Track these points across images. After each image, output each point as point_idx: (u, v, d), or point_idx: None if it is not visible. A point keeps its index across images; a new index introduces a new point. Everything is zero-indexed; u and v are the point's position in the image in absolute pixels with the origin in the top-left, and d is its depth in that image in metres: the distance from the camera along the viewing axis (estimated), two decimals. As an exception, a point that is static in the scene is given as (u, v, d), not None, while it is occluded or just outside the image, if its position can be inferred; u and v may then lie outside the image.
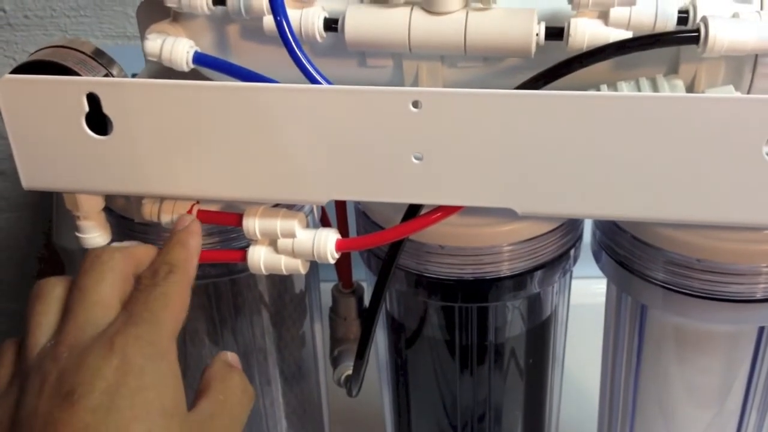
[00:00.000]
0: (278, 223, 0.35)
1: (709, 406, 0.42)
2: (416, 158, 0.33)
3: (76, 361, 0.29)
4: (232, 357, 0.34)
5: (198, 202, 0.37)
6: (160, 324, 0.30)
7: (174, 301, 0.31)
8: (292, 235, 0.35)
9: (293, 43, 0.33)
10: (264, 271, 0.36)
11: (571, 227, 0.39)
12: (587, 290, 0.46)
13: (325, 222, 0.45)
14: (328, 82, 0.34)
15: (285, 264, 0.36)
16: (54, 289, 0.32)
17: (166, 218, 0.36)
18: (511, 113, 0.31)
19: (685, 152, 0.31)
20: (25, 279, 0.95)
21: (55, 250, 0.80)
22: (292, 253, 0.36)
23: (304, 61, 0.34)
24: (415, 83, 0.37)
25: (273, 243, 0.36)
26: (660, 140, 0.31)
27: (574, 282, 0.44)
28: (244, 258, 0.36)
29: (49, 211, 0.80)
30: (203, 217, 0.37)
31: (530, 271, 0.38)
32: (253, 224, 0.36)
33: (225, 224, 0.37)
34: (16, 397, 0.29)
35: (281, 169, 0.34)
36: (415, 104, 0.31)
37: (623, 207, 0.32)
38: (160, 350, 0.29)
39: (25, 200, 0.90)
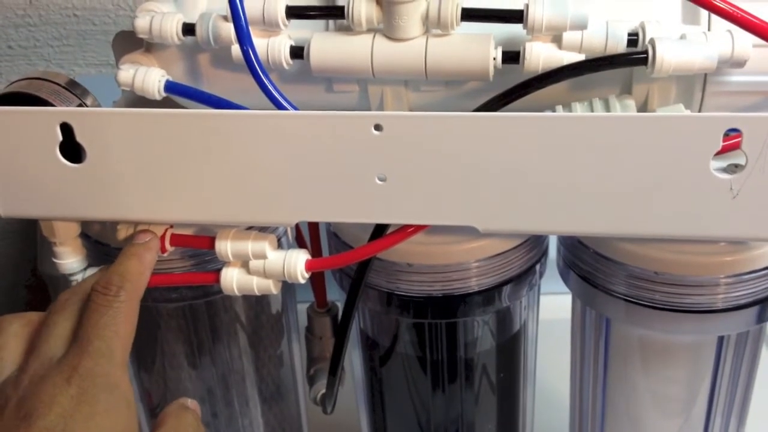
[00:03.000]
0: (249, 245, 0.36)
1: (676, 414, 0.43)
2: (380, 179, 0.34)
3: (35, 389, 0.30)
4: (191, 402, 0.35)
5: (171, 226, 0.38)
6: (112, 354, 0.31)
7: (124, 326, 0.32)
8: (264, 257, 0.36)
9: (259, 71, 0.35)
10: (237, 292, 0.37)
11: (535, 243, 0.40)
12: (557, 305, 0.47)
13: (300, 243, 0.46)
14: (294, 108, 0.35)
15: (257, 284, 0.37)
16: (10, 326, 0.34)
17: (140, 243, 0.37)
18: (469, 134, 0.32)
19: (637, 169, 0.32)
20: (13, 307, 0.96)
21: (40, 278, 0.81)
22: (264, 274, 0.37)
23: (270, 88, 0.35)
24: (381, 107, 0.39)
25: (245, 264, 0.37)
26: (612, 158, 0.32)
27: (544, 298, 0.45)
28: (218, 280, 0.37)
29: (35, 239, 0.81)
30: (177, 241, 0.38)
31: (498, 287, 0.40)
32: (225, 247, 0.37)
33: (198, 247, 0.38)
34: None
35: (250, 192, 0.35)
36: (377, 127, 0.33)
37: (581, 223, 0.33)
38: (113, 381, 0.31)
39: (12, 228, 0.91)
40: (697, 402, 0.42)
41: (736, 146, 0.31)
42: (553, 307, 0.47)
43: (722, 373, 0.40)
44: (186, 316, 0.43)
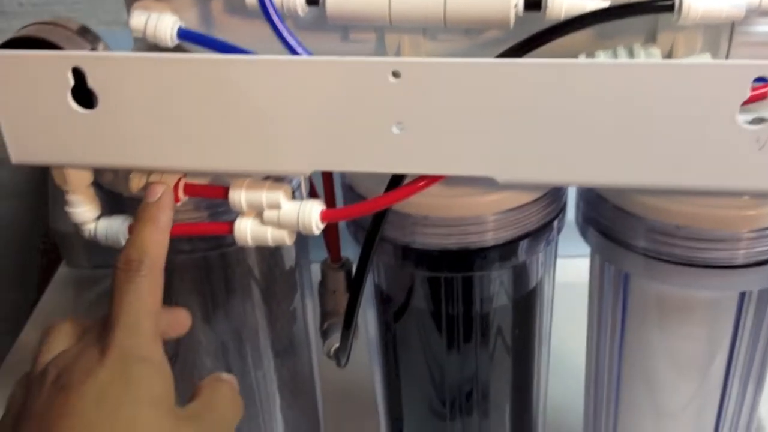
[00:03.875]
0: (264, 195, 0.36)
1: (693, 375, 0.42)
2: (397, 128, 0.33)
3: (73, 364, 0.32)
4: (227, 376, 0.36)
5: (185, 175, 0.37)
6: (140, 328, 0.32)
7: (150, 299, 0.33)
8: (278, 207, 0.36)
9: (274, 17, 0.34)
10: (251, 243, 0.37)
11: (554, 197, 0.39)
12: (573, 269, 0.47)
13: (313, 195, 0.45)
14: (308, 53, 0.35)
15: (272, 235, 0.36)
16: (75, 318, 0.36)
17: (153, 192, 0.37)
18: (489, 82, 0.31)
19: (661, 119, 0.31)
20: (26, 268, 0.96)
21: (50, 238, 0.81)
22: (278, 225, 0.36)
23: (286, 34, 0.34)
24: (398, 56, 0.38)
25: (259, 215, 0.37)
26: (636, 107, 0.31)
27: (560, 260, 0.44)
28: (232, 230, 0.37)
29: (44, 198, 0.81)
30: (190, 190, 0.37)
31: (515, 241, 0.39)
32: (239, 196, 0.36)
33: (212, 197, 0.37)
34: (23, 396, 0.33)
35: (264, 140, 0.34)
36: (395, 74, 0.32)
37: (602, 174, 0.33)
38: (144, 353, 0.32)
39: (25, 188, 0.91)
40: (715, 363, 0.41)
41: (764, 96, 0.30)
42: (569, 270, 0.47)
43: (742, 331, 0.40)
44: (199, 268, 0.43)
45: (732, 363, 0.42)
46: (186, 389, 0.35)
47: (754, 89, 0.30)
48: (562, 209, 0.41)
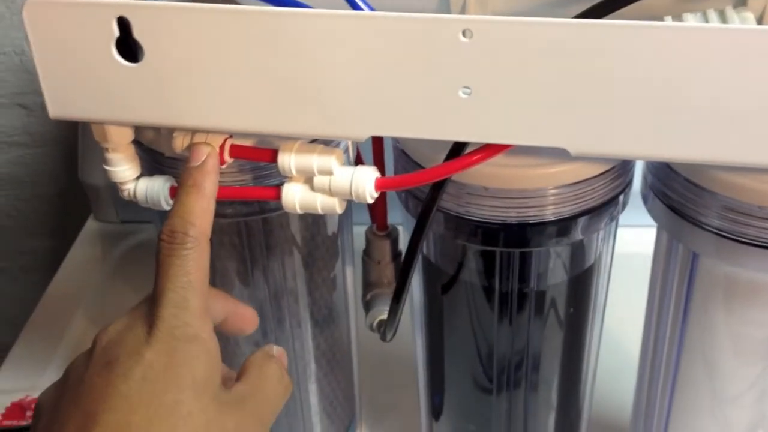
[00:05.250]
0: (315, 160, 0.34)
1: (757, 361, 0.40)
2: (464, 92, 0.31)
3: (119, 338, 0.31)
4: (276, 350, 0.35)
5: (231, 137, 0.35)
6: (187, 304, 0.31)
7: (197, 273, 0.31)
8: (330, 173, 0.34)
9: (335, -34, 0.31)
10: (299, 210, 0.35)
11: (622, 170, 0.37)
12: (631, 239, 0.45)
13: (359, 163, 0.43)
14: (371, 8, 0.32)
15: (321, 203, 0.34)
16: None
17: (197, 152, 0.35)
18: (567, 44, 0.29)
19: (752, 90, 0.28)
20: (51, 216, 0.95)
21: (80, 186, 0.79)
22: (329, 192, 0.34)
23: (347, -14, 0.31)
24: (463, 13, 0.35)
25: (309, 181, 0.34)
26: (726, 76, 0.28)
27: (619, 230, 0.42)
28: (279, 196, 0.35)
29: (75, 148, 0.79)
30: (237, 152, 0.35)
31: (576, 217, 0.37)
32: (288, 160, 0.34)
33: (259, 160, 0.35)
34: (67, 373, 0.32)
35: (319, 102, 0.32)
36: (465, 33, 0.29)
37: (688, 149, 0.30)
38: (191, 331, 0.30)
39: (51, 136, 0.89)
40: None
41: None
42: (627, 240, 0.45)
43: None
44: (240, 232, 0.41)
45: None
46: (225, 355, 0.33)
47: None
48: (629, 183, 0.38)
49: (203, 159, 0.33)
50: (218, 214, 0.39)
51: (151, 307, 0.31)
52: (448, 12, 0.35)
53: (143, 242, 0.76)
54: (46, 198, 0.94)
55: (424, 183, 0.34)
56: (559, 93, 0.30)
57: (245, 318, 0.35)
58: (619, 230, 0.43)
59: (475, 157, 0.32)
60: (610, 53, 0.28)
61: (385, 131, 0.32)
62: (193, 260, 0.31)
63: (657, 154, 0.31)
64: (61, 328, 0.67)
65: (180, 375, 0.29)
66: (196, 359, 0.30)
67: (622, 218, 0.40)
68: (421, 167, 0.36)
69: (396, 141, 0.38)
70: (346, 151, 0.40)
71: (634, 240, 0.50)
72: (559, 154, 0.32)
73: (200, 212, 0.32)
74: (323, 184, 0.34)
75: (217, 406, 0.30)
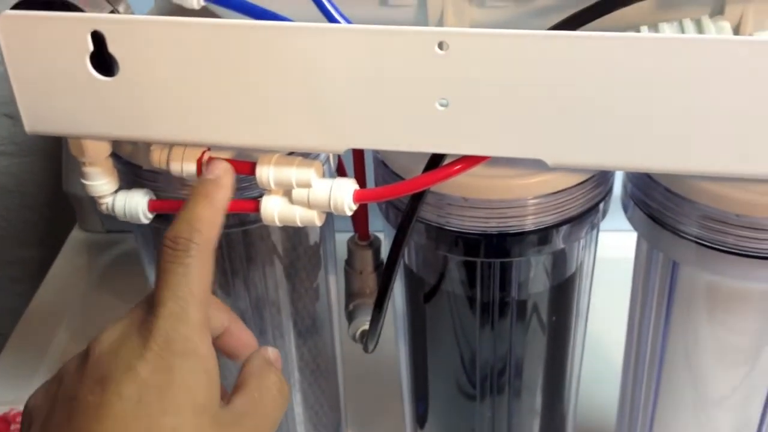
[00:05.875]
0: (293, 172, 0.34)
1: (740, 366, 0.40)
2: (441, 104, 0.30)
3: (113, 351, 0.29)
4: (272, 353, 0.34)
5: (209, 149, 0.35)
6: (187, 316, 0.29)
7: (198, 283, 0.30)
8: (308, 185, 0.34)
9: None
10: (278, 223, 0.35)
11: (601, 179, 0.37)
12: (617, 243, 0.45)
13: (341, 173, 0.43)
14: (348, 21, 0.32)
15: (300, 216, 0.34)
16: None
17: (175, 166, 0.35)
18: (544, 56, 0.29)
19: (728, 100, 0.28)
20: (39, 225, 0.95)
21: (65, 196, 0.79)
22: (308, 204, 0.34)
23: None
24: (440, 24, 0.35)
25: (288, 193, 0.34)
26: (702, 87, 0.28)
27: (600, 234, 0.42)
28: (258, 209, 0.34)
29: (60, 158, 0.79)
30: (214, 164, 0.35)
31: (557, 226, 0.37)
32: (267, 173, 0.34)
33: (237, 173, 0.35)
34: (60, 378, 0.30)
35: (296, 114, 0.32)
36: (441, 45, 0.29)
37: (665, 159, 0.30)
38: (190, 346, 0.29)
39: (36, 145, 0.89)
40: (764, 355, 0.39)
41: None
42: (609, 245, 0.44)
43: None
44: (221, 244, 0.41)
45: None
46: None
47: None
48: (609, 191, 0.38)
49: (218, 174, 0.33)
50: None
51: (147, 315, 0.29)
52: (426, 23, 0.35)
53: (128, 252, 0.76)
54: (34, 207, 0.94)
55: (402, 195, 0.34)
56: (535, 104, 0.30)
57: (241, 341, 0.34)
58: (605, 234, 0.43)
59: (452, 170, 0.32)
60: (583, 65, 0.28)
61: (363, 143, 0.32)
62: (196, 269, 0.30)
63: (634, 165, 0.31)
64: (47, 340, 0.66)
65: (177, 396, 0.28)
66: (194, 378, 0.29)
67: (609, 222, 0.40)
68: (401, 178, 0.36)
69: (376, 151, 0.38)
70: (327, 161, 0.40)
71: (620, 244, 0.49)
72: (538, 165, 0.32)
73: (207, 221, 0.31)
74: (302, 197, 0.34)
75: (217, 427, 0.29)
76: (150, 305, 0.30)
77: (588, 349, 0.47)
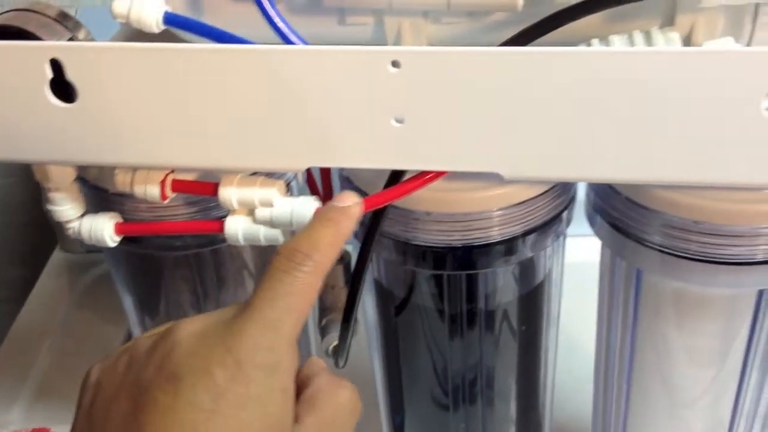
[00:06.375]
0: (256, 192, 0.34)
1: (709, 368, 0.40)
2: (397, 121, 0.31)
3: (190, 346, 0.27)
4: (346, 385, 0.31)
5: (172, 171, 0.35)
6: (282, 329, 0.27)
7: (302, 300, 0.28)
8: (271, 205, 0.34)
9: (263, 2, 0.32)
10: (242, 242, 0.35)
11: (563, 189, 0.37)
12: (584, 248, 0.45)
13: (311, 186, 0.43)
14: (304, 42, 0.32)
15: (264, 234, 0.35)
16: None
17: (139, 189, 0.35)
18: (495, 72, 0.29)
19: (679, 110, 0.29)
20: (23, 245, 0.95)
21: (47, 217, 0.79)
22: (271, 223, 0.34)
23: (277, 20, 0.32)
24: (398, 41, 0.36)
25: (251, 212, 0.35)
26: (652, 97, 0.29)
27: (571, 240, 0.42)
28: (222, 228, 0.35)
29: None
30: (178, 187, 0.35)
31: (521, 236, 0.37)
32: (229, 194, 0.34)
33: (201, 194, 0.35)
34: (130, 357, 0.28)
35: (255, 135, 0.32)
36: (395, 64, 0.30)
37: (616, 170, 0.30)
38: (275, 358, 0.27)
39: (20, 166, 0.89)
40: (732, 356, 0.39)
41: (791, 85, 0.27)
42: (580, 249, 0.45)
43: (761, 326, 0.38)
44: (191, 264, 0.41)
45: (750, 355, 0.40)
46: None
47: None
48: (572, 200, 0.39)
49: (349, 204, 0.31)
50: (168, 248, 0.40)
51: (237, 318, 0.27)
52: (384, 40, 0.36)
53: (108, 272, 0.76)
54: (18, 228, 0.94)
55: (363, 211, 0.35)
56: (488, 119, 0.30)
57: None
58: (577, 240, 0.43)
59: (411, 185, 0.33)
60: (534, 79, 0.29)
61: (322, 162, 0.33)
62: (304, 286, 0.28)
63: (587, 176, 0.31)
64: (29, 362, 0.66)
65: (252, 414, 0.26)
66: (270, 396, 0.27)
67: (580, 228, 0.40)
68: (365, 193, 0.37)
69: (340, 168, 0.38)
70: (295, 177, 0.41)
71: (591, 248, 0.50)
72: (496, 177, 0.32)
73: (329, 244, 0.29)
74: (265, 216, 0.34)
75: None
76: (242, 308, 0.28)
77: (565, 354, 0.47)
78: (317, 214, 0.31)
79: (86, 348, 0.68)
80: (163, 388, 0.26)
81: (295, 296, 0.28)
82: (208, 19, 0.36)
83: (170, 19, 0.35)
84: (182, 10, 0.36)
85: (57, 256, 0.80)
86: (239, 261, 0.42)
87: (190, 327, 0.28)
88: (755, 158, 0.29)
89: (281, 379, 0.27)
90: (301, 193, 0.42)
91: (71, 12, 0.36)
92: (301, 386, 0.29)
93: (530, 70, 0.29)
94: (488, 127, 0.30)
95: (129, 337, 0.59)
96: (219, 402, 0.26)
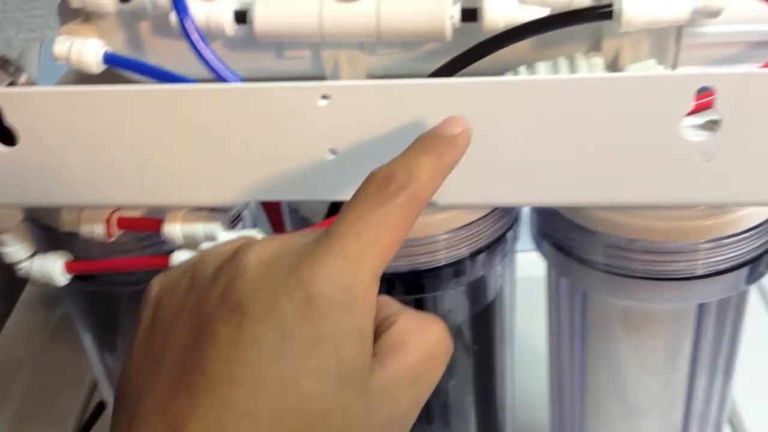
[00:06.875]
0: (200, 228, 0.34)
1: (658, 378, 0.41)
2: (331, 153, 0.31)
3: (258, 269, 0.24)
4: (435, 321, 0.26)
5: (118, 209, 0.35)
6: (363, 261, 0.23)
7: (391, 235, 0.24)
8: (215, 239, 0.34)
9: (195, 41, 0.32)
10: (189, 276, 0.35)
11: (505, 210, 0.38)
12: (538, 262, 0.46)
13: (269, 213, 0.44)
14: (239, 79, 0.33)
15: (209, 268, 0.35)
16: None
17: (86, 228, 0.35)
18: (421, 102, 0.30)
19: (603, 135, 0.30)
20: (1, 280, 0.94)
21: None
22: (216, 257, 0.35)
23: (210, 59, 0.32)
24: (336, 72, 0.36)
25: (197, 248, 0.35)
26: (577, 124, 0.29)
27: (526, 255, 0.42)
28: (168, 264, 0.35)
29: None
30: (124, 224, 0.36)
31: (467, 258, 0.38)
32: (174, 229, 0.35)
33: (146, 230, 0.36)
34: (193, 275, 0.25)
35: (195, 171, 0.33)
36: (325, 98, 0.30)
37: (546, 194, 0.31)
38: (353, 295, 0.23)
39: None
40: (680, 366, 0.40)
41: (708, 105, 0.28)
42: (533, 263, 0.45)
43: (704, 338, 0.39)
44: (137, 300, 0.41)
45: (696, 363, 0.41)
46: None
47: (698, 98, 0.28)
48: (516, 219, 0.39)
49: (456, 132, 0.26)
50: (121, 283, 0.40)
51: (314, 246, 0.24)
52: (322, 72, 0.36)
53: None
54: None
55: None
56: (418, 149, 0.31)
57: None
58: (533, 255, 0.44)
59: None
60: (459, 109, 0.29)
61: (261, 196, 0.33)
62: (395, 220, 0.24)
63: (520, 201, 0.32)
64: (2, 395, 0.66)
65: (324, 358, 0.23)
66: (345, 339, 0.23)
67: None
68: (311, 222, 0.37)
69: (287, 198, 0.39)
70: (247, 206, 0.41)
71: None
72: (432, 204, 0.33)
73: (429, 177, 0.25)
74: (210, 250, 0.35)
75: (365, 400, 0.23)
76: (321, 235, 0.24)
77: (526, 370, 0.48)
78: (418, 139, 0.26)
79: (59, 382, 0.68)
80: (226, 319, 0.23)
81: (384, 230, 0.24)
82: (150, 58, 0.37)
83: (110, 59, 0.36)
84: (123, 50, 0.37)
85: (30, 289, 0.80)
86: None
87: (260, 250, 0.24)
88: (680, 179, 0.30)
89: (358, 320, 0.23)
90: (254, 220, 0.43)
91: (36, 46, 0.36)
92: (378, 330, 0.25)
93: (453, 100, 0.29)
94: (419, 156, 0.31)
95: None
96: (287, 342, 0.22)
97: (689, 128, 0.29)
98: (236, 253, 0.24)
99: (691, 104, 0.28)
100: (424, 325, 0.25)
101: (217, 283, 0.24)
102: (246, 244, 0.25)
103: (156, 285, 0.26)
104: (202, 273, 0.25)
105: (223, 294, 0.23)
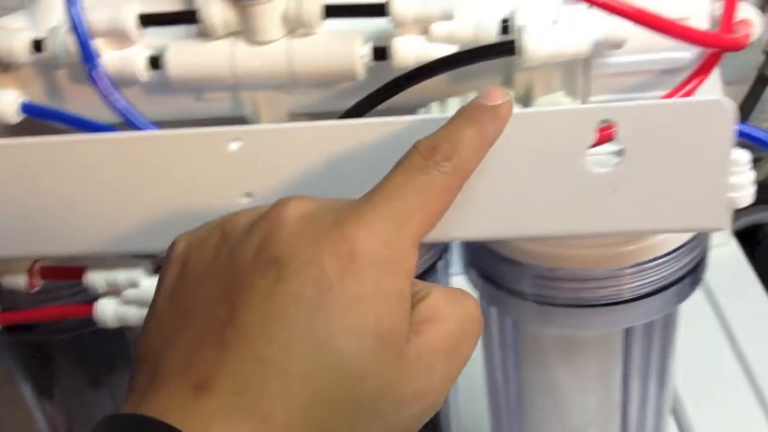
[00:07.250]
0: (121, 274, 0.34)
1: (593, 398, 0.42)
2: (247, 196, 0.31)
3: (298, 223, 0.23)
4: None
5: (39, 260, 0.35)
6: (407, 226, 0.23)
7: (435, 201, 0.24)
8: (137, 285, 0.34)
9: (104, 90, 0.32)
10: (113, 325, 0.35)
11: (432, 244, 0.38)
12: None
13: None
14: (152, 126, 0.33)
15: (132, 315, 0.35)
16: None
17: (7, 280, 0.35)
18: (327, 144, 0.30)
19: (510, 168, 0.29)
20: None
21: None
22: (139, 303, 0.35)
23: (121, 108, 0.32)
24: (256, 112, 0.36)
25: (120, 294, 0.35)
26: (485, 159, 0.29)
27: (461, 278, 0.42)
28: (92, 312, 0.35)
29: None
30: (46, 274, 0.35)
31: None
32: (96, 277, 0.34)
33: (69, 279, 0.35)
34: (224, 231, 0.25)
35: (112, 220, 0.32)
36: (236, 143, 0.30)
37: (458, 228, 0.31)
38: (395, 258, 0.23)
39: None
40: (614, 385, 0.40)
41: (610, 137, 0.29)
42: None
43: (633, 357, 0.39)
44: (76, 346, 0.41)
45: (629, 381, 0.41)
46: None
47: (600, 130, 0.29)
48: (445, 249, 0.40)
49: (498, 102, 0.26)
50: (52, 331, 0.40)
51: (358, 204, 0.23)
52: (242, 113, 0.36)
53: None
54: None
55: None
56: (330, 187, 0.30)
57: None
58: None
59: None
60: (366, 149, 0.30)
61: (179, 241, 0.33)
62: (440, 187, 0.24)
63: (433, 237, 0.32)
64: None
65: (363, 316, 0.22)
66: (385, 298, 0.22)
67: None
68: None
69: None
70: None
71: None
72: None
73: (472, 149, 0.25)
74: (133, 297, 0.35)
75: (401, 363, 0.22)
76: (364, 196, 0.24)
77: (468, 397, 0.48)
78: (461, 110, 0.26)
79: (13, 425, 0.67)
80: (262, 272, 0.22)
81: (429, 195, 0.24)
82: (70, 105, 0.37)
83: (28, 109, 0.36)
84: (42, 98, 0.37)
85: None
86: (123, 339, 0.42)
87: (300, 206, 0.24)
88: (588, 210, 0.30)
89: (399, 281, 0.23)
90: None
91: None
92: (412, 302, 0.24)
93: (360, 140, 0.29)
94: (331, 194, 0.31)
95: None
96: (326, 297, 0.22)
97: (594, 160, 0.29)
98: (273, 207, 0.24)
99: (593, 137, 0.28)
100: (457, 298, 0.25)
101: (252, 237, 0.23)
102: (283, 200, 0.24)
103: (182, 242, 0.26)
104: (234, 228, 0.24)
105: (260, 248, 0.23)
